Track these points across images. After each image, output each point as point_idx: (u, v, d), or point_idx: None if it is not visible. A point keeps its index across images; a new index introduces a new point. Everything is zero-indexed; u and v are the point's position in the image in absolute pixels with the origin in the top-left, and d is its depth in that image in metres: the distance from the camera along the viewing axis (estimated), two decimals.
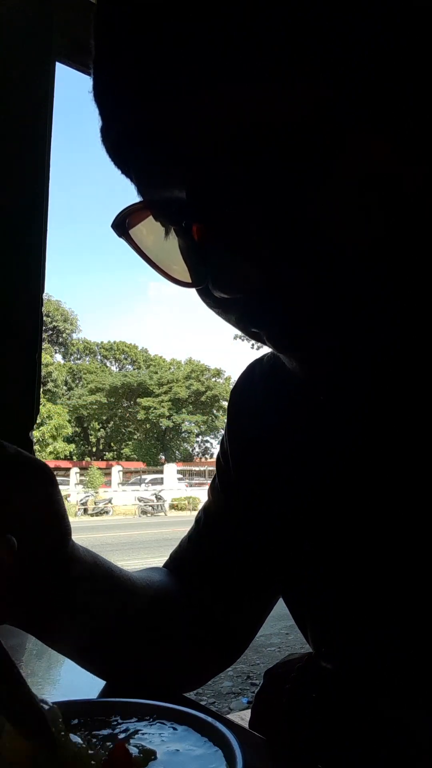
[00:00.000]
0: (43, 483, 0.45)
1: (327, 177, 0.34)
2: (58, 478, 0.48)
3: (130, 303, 77.86)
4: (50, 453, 31.42)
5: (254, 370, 0.64)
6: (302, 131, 0.33)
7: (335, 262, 0.36)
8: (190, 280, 0.42)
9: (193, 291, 0.43)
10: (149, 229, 0.42)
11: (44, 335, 1.16)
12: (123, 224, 0.41)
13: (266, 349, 0.55)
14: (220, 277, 0.37)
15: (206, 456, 44.69)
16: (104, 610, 0.52)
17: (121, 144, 0.39)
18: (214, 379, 43.73)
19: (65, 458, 34.56)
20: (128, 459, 41.64)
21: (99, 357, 48.12)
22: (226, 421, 0.68)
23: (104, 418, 43.06)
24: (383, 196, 0.35)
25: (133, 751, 0.38)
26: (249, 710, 0.65)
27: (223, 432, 0.69)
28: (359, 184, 0.34)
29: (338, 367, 0.42)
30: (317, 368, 0.42)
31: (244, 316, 0.41)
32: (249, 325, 0.41)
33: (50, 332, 44.43)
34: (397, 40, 0.33)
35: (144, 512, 25.10)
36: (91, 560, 0.52)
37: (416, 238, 0.37)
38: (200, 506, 0.70)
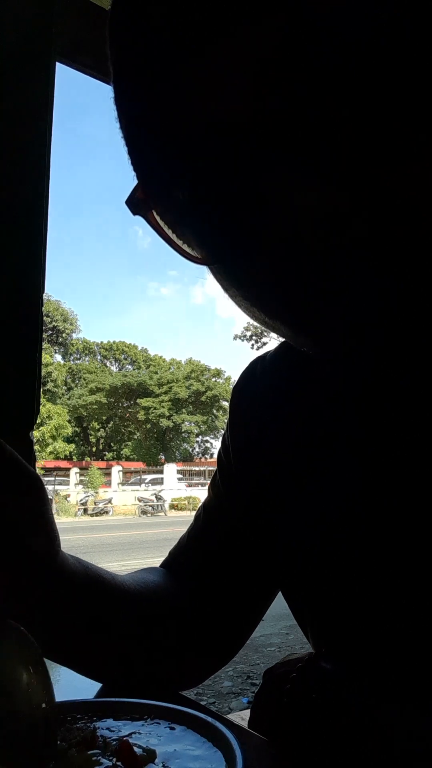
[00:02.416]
0: (35, 494, 0.45)
1: (322, 172, 0.34)
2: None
3: (130, 303, 77.94)
4: (50, 453, 31.36)
5: (256, 367, 0.65)
6: (295, 126, 0.33)
7: (330, 257, 0.36)
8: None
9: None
10: None
11: (44, 335, 1.16)
12: (138, 200, 0.41)
13: (267, 348, 0.55)
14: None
15: (206, 456, 44.63)
16: (96, 616, 0.52)
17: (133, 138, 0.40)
18: (214, 379, 43.68)
19: (65, 458, 34.49)
20: (128, 459, 41.59)
21: (99, 357, 48.09)
22: (227, 417, 0.69)
23: (104, 418, 43.01)
24: (378, 192, 0.35)
25: (136, 750, 0.38)
26: (249, 710, 0.65)
27: (223, 431, 0.69)
28: (352, 178, 0.34)
29: (348, 355, 0.41)
30: (330, 352, 0.41)
31: (264, 293, 0.39)
32: (267, 303, 0.40)
33: (50, 332, 44.42)
34: (392, 36, 0.33)
35: (144, 512, 25.06)
36: (81, 569, 0.52)
37: (415, 233, 0.37)
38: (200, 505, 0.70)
